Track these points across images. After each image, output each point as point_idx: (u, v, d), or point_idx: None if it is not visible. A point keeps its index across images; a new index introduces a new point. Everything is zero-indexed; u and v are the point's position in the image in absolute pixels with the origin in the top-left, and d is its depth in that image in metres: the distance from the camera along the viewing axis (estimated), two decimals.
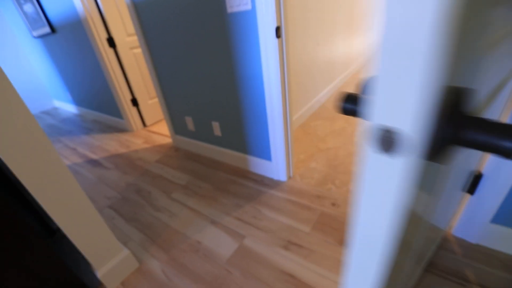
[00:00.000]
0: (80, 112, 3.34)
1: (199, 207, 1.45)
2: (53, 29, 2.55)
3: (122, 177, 1.84)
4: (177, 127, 2.04)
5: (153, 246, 1.25)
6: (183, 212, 1.43)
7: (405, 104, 0.22)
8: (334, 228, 1.19)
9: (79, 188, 0.90)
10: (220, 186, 1.59)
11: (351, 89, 2.86)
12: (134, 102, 2.50)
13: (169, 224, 1.37)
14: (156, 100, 2.66)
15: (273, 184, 1.53)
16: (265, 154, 1.55)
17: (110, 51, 2.22)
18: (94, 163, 2.09)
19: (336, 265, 1.03)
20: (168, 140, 2.30)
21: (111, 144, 2.38)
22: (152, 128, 2.60)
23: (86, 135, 2.67)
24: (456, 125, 0.24)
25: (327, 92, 2.66)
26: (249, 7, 1.12)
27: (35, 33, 2.89)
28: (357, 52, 3.44)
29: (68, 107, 3.61)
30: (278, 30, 1.11)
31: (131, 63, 2.37)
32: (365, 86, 0.36)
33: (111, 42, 2.20)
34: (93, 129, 2.80)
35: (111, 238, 1.04)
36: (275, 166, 1.52)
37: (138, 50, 2.40)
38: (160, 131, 2.49)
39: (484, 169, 0.89)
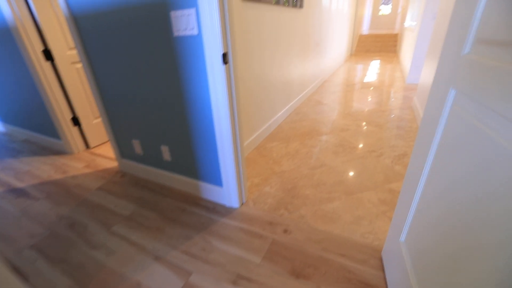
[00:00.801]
0: (6, 130, 2.91)
1: (142, 241, 1.31)
2: None
3: (53, 209, 1.60)
4: (123, 150, 1.87)
5: None
6: (123, 248, 1.28)
7: None
8: (284, 257, 1.16)
9: None
10: (168, 216, 1.47)
11: (308, 110, 2.99)
12: (76, 121, 2.26)
13: (106, 264, 1.20)
14: None
15: (225, 211, 1.46)
16: (216, 180, 1.49)
17: (47, 64, 2.00)
18: (18, 192, 1.79)
19: None
20: (114, 164, 2.10)
21: (44, 169, 2.08)
22: (97, 150, 2.36)
23: (12, 158, 2.30)
24: None
25: (284, 113, 2.74)
26: (195, 32, 1.10)
27: None
28: (313, 74, 3.66)
29: None
30: (225, 56, 1.10)
31: (73, 79, 2.16)
32: None
33: (48, 54, 1.98)
34: (23, 150, 2.44)
35: None
36: (227, 192, 1.46)
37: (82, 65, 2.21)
38: (106, 154, 2.27)
39: None
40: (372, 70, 5.39)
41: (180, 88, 1.31)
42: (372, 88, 3.89)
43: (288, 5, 2.37)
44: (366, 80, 4.46)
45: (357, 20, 7.62)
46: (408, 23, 5.45)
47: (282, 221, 1.36)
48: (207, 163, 1.47)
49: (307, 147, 2.12)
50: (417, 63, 3.83)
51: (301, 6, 2.67)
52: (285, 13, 2.35)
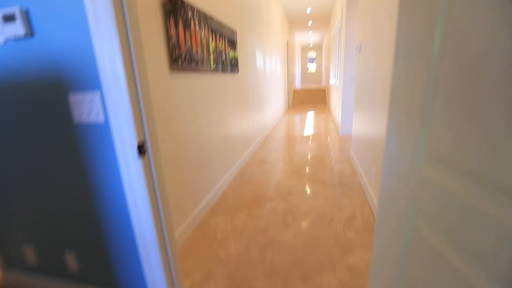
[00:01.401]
0: None
1: None
2: None
3: None
4: (10, 258, 1.37)
5: None
6: None
7: None
8: None
9: None
10: None
11: (252, 170, 2.87)
12: None
13: None
14: None
15: None
16: None
17: None
18: None
19: None
20: None
21: None
22: None
23: None
24: None
25: (228, 177, 2.56)
26: (101, 119, 0.89)
27: None
28: (254, 132, 3.68)
29: None
30: (142, 147, 0.90)
31: None
32: None
33: None
34: None
35: None
36: None
37: None
38: None
39: None
40: (309, 121, 5.84)
41: (87, 183, 1.03)
42: (311, 141, 4.11)
43: (225, 71, 2.39)
44: (305, 133, 4.73)
45: (290, 77, 8.53)
46: (332, 81, 6.28)
47: None
48: (128, 269, 1.13)
49: (255, 218, 1.92)
50: (347, 116, 4.26)
51: (237, 71, 2.76)
52: (221, 79, 2.35)
